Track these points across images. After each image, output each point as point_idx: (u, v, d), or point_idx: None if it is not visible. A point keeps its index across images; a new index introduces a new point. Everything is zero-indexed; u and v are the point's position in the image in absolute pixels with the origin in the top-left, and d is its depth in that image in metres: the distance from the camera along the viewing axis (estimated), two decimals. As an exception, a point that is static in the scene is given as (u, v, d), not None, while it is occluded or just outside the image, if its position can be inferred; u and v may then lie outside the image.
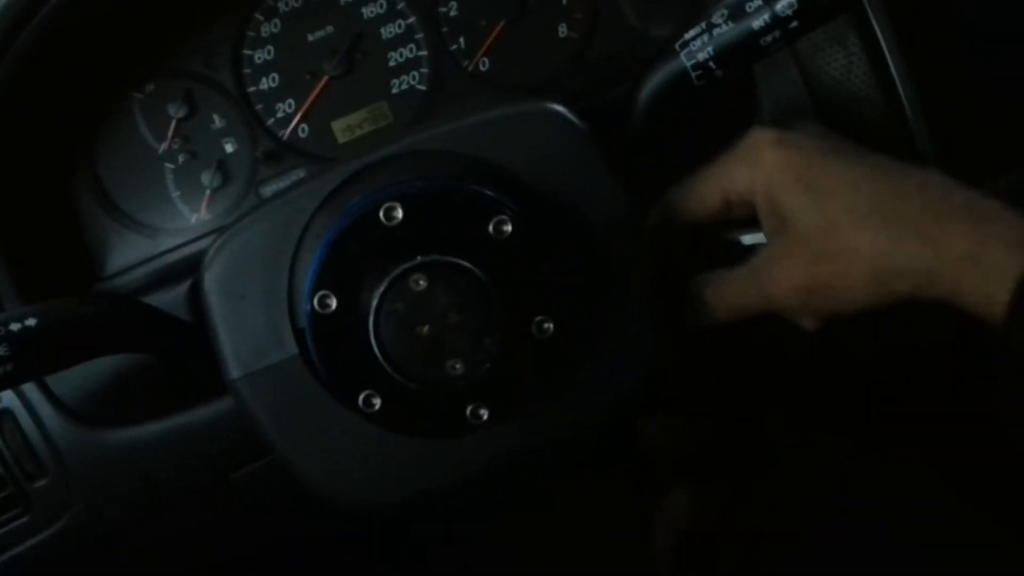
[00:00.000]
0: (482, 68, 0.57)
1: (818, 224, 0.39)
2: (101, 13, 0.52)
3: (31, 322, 0.39)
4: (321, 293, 0.37)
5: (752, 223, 0.42)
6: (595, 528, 0.81)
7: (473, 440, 0.40)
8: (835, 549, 0.66)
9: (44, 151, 0.54)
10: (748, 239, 0.44)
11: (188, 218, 0.56)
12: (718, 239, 0.45)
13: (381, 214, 0.36)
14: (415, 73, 0.57)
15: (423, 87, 0.57)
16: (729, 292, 0.43)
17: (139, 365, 0.50)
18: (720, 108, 0.49)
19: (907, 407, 0.67)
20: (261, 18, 0.56)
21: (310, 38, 0.56)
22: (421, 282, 0.36)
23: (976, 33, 0.49)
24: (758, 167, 0.40)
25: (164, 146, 0.56)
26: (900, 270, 0.37)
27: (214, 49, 0.56)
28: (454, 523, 0.75)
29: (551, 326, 0.37)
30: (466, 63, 0.57)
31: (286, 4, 0.56)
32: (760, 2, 0.39)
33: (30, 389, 0.48)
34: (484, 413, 0.38)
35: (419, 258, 0.36)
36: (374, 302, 0.36)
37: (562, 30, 0.57)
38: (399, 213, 0.36)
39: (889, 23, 0.47)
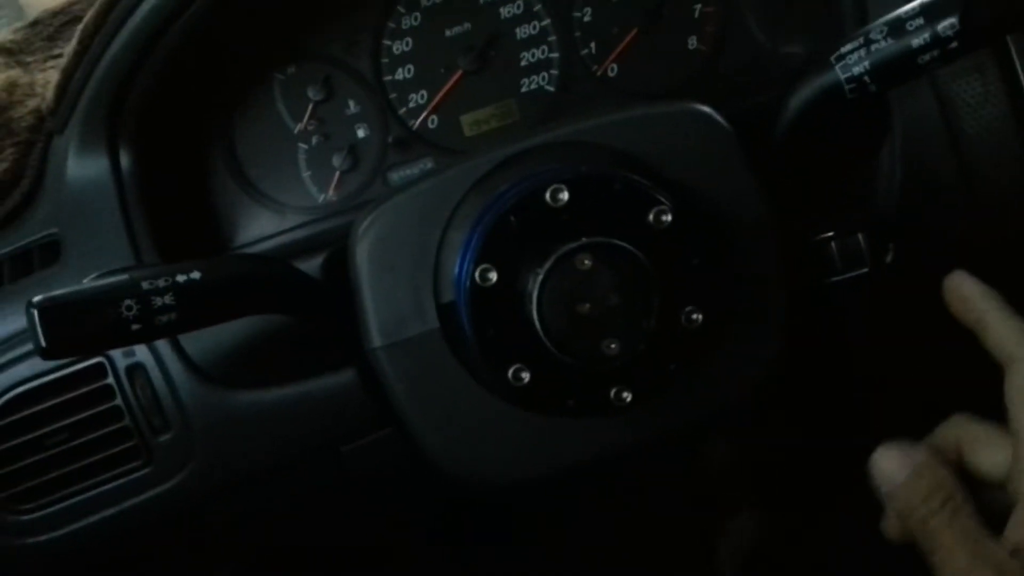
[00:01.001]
0: (610, 74, 0.58)
1: None
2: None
3: (196, 275, 0.41)
4: (483, 267, 0.38)
5: None
6: (656, 545, 0.81)
7: (609, 423, 0.41)
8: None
9: (187, 123, 0.57)
10: None
11: (316, 197, 0.58)
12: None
13: (548, 195, 0.38)
14: (545, 74, 0.58)
15: (551, 88, 0.58)
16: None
17: (268, 330, 0.51)
18: (855, 126, 0.50)
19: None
20: (403, 10, 0.58)
21: (448, 33, 0.58)
22: (587, 262, 0.37)
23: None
24: None
25: (300, 127, 0.58)
26: None
27: (355, 37, 0.58)
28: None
29: (700, 317, 0.38)
30: (595, 67, 0.58)
31: (428, -1, 0.58)
32: (922, 20, 0.40)
33: (163, 345, 0.50)
34: (627, 396, 0.39)
35: (585, 239, 0.37)
36: (540, 277, 0.37)
37: (692, 42, 0.58)
38: (565, 195, 0.38)
39: (1031, 54, 0.48)
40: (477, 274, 0.38)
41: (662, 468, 0.80)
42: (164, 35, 0.51)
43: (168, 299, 0.40)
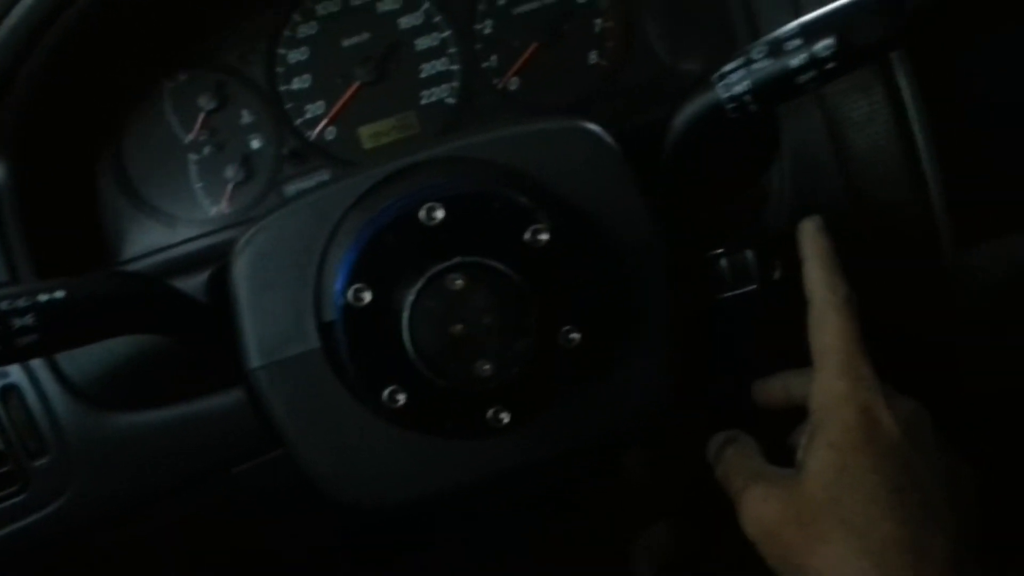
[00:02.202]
0: (512, 87, 0.58)
1: (824, 507, 0.39)
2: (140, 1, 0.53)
3: (59, 294, 0.39)
4: (356, 286, 0.37)
5: None
6: (576, 557, 0.81)
7: (489, 445, 0.40)
8: None
9: (70, 131, 0.54)
10: None
11: (208, 210, 0.57)
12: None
13: (422, 213, 0.37)
14: (445, 86, 0.58)
15: (452, 100, 0.58)
16: (731, 474, 0.44)
17: (148, 349, 0.50)
18: (743, 144, 0.51)
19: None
20: (299, 19, 0.57)
21: (345, 43, 0.57)
22: (458, 282, 0.36)
23: (997, 94, 0.51)
24: (835, 424, 0.40)
25: (191, 137, 0.56)
26: None
27: (250, 45, 0.56)
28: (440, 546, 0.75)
29: (578, 336, 0.38)
30: (496, 81, 0.58)
31: (324, 7, 0.57)
32: (800, 41, 0.40)
33: (39, 366, 0.47)
34: (505, 417, 0.38)
35: (458, 258, 0.36)
36: (410, 298, 0.36)
37: (593, 57, 0.58)
38: (440, 213, 0.37)
39: (913, 76, 0.49)
40: (351, 294, 0.37)
41: (579, 478, 0.80)
42: (40, 39, 0.49)
43: (29, 320, 0.38)
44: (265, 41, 0.56)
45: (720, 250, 0.48)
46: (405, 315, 0.36)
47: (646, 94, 0.58)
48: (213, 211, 0.57)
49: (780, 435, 0.48)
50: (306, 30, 0.57)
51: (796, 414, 0.45)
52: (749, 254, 0.48)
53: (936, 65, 0.49)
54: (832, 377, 0.41)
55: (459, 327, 0.36)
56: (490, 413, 0.38)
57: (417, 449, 0.41)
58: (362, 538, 0.71)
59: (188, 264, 0.54)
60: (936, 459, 0.40)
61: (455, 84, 0.58)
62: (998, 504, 0.44)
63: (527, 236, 0.37)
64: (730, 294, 0.48)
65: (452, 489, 0.41)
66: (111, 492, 0.48)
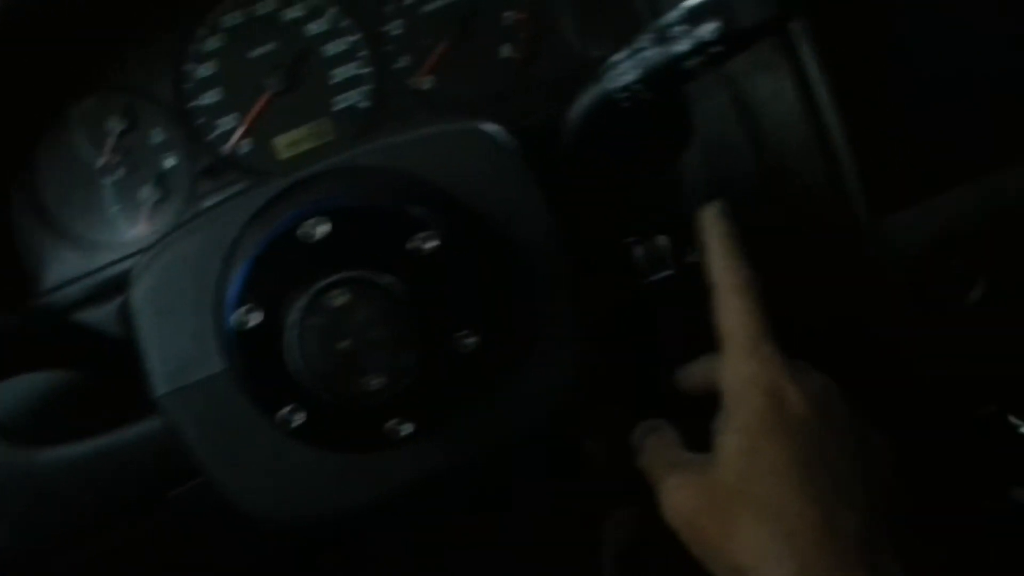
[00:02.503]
0: (425, 86, 0.57)
1: (736, 490, 0.39)
2: (40, 25, 0.52)
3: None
4: (245, 307, 0.37)
5: None
6: (543, 543, 0.81)
7: (396, 455, 0.40)
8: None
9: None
10: None
11: (127, 233, 0.56)
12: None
13: (305, 229, 0.37)
14: (359, 90, 0.57)
15: (366, 104, 0.57)
16: (652, 465, 0.44)
17: (69, 382, 0.49)
18: (653, 130, 0.50)
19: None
20: (204, 33, 0.56)
21: (253, 54, 0.56)
22: (342, 297, 0.36)
23: (904, 60, 0.51)
24: (744, 407, 0.40)
25: (102, 160, 0.56)
26: None
27: (156, 63, 0.56)
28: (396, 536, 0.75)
29: (474, 340, 0.38)
30: (409, 81, 0.57)
31: (230, 19, 0.56)
32: (685, 26, 0.40)
33: (-47, 406, 0.47)
34: (407, 428, 0.38)
35: (339, 274, 0.36)
36: (295, 317, 0.36)
37: (504, 51, 0.57)
38: (322, 228, 0.37)
39: (815, 49, 0.48)
40: (239, 316, 0.37)
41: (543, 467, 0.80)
42: None
43: None
44: (171, 58, 0.56)
45: (632, 238, 0.47)
46: (292, 334, 0.36)
47: (562, 84, 0.57)
48: (131, 234, 0.56)
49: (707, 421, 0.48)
50: (212, 43, 0.56)
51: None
52: (662, 239, 0.47)
53: (839, 36, 0.48)
54: (737, 360, 0.41)
55: (346, 343, 0.36)
56: (390, 425, 0.38)
57: (326, 465, 0.41)
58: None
59: (109, 290, 0.53)
60: (847, 435, 0.40)
61: (368, 87, 0.57)
62: (916, 481, 0.44)
63: (412, 244, 0.37)
64: (647, 281, 0.48)
65: (365, 502, 0.41)
66: (44, 529, 0.48)
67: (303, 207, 0.38)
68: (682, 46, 0.40)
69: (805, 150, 0.49)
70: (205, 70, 0.56)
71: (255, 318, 0.37)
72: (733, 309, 0.41)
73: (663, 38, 0.41)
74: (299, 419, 0.37)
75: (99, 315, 0.50)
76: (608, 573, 0.80)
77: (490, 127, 0.43)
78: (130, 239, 0.56)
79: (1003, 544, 0.67)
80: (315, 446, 0.39)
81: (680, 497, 0.40)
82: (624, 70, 0.42)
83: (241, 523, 0.54)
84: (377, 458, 0.40)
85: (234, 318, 0.37)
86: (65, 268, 0.55)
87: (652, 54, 0.41)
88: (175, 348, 0.41)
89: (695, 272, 0.48)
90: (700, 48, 0.40)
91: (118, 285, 0.53)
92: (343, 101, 0.57)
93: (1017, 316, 0.51)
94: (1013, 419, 0.65)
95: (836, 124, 0.48)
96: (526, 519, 0.82)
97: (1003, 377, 0.55)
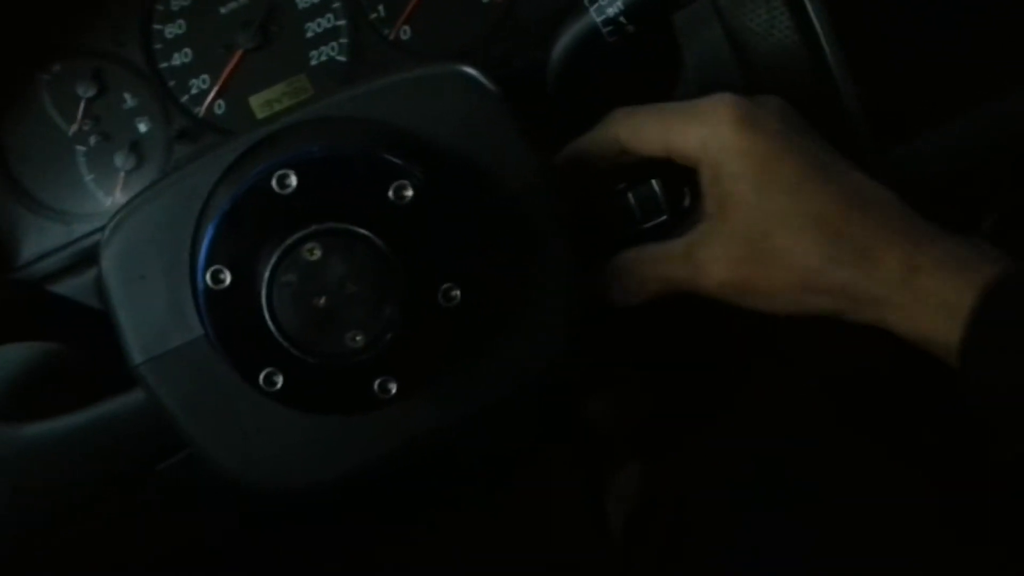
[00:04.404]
0: (403, 36, 0.55)
1: (757, 223, 0.38)
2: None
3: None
4: (214, 268, 0.35)
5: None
6: (544, 504, 0.80)
7: (384, 416, 0.38)
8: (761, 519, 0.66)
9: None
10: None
11: (103, 202, 0.54)
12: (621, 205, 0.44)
13: (274, 182, 0.35)
14: (334, 44, 0.55)
15: (343, 58, 0.55)
16: (658, 269, 0.42)
17: (48, 357, 0.48)
18: (645, 64, 0.48)
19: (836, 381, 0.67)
20: (170, -9, 0.54)
21: (223, 10, 0.54)
22: (316, 252, 0.34)
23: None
24: (715, 138, 0.39)
25: (74, 128, 0.54)
26: (827, 287, 0.37)
27: (122, 25, 0.54)
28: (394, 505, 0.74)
29: (458, 293, 0.36)
30: (387, 31, 0.55)
31: (197, -25, 0.54)
32: (668, -49, 0.38)
33: (-68, 384, 0.46)
34: (392, 387, 0.36)
35: (313, 226, 0.34)
36: (266, 274, 0.34)
37: (485, -6, 0.55)
38: (293, 181, 0.35)
39: (810, -26, 0.46)
40: (209, 276, 0.35)
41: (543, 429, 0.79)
42: None
43: None
44: (138, 19, 0.54)
45: (622, 184, 0.45)
46: (263, 293, 0.34)
47: (545, 27, 0.54)
48: (108, 202, 0.54)
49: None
50: (179, 2, 0.54)
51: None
52: (655, 183, 0.45)
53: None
54: (696, 111, 0.40)
55: (322, 299, 0.34)
56: (376, 384, 0.36)
57: (314, 429, 0.39)
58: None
59: (87, 260, 0.52)
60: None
61: (343, 40, 0.55)
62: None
63: (391, 194, 0.35)
64: (641, 228, 0.46)
65: (357, 467, 0.40)
66: (32, 507, 0.47)
67: (270, 160, 0.36)
68: (667, -28, 0.38)
69: (803, 83, 0.47)
70: (174, 29, 0.54)
71: (225, 279, 0.35)
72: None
73: (646, -35, 0.39)
74: (279, 382, 0.36)
75: (77, 286, 0.49)
76: (617, 534, 0.79)
77: (469, 69, 0.41)
78: (106, 208, 0.54)
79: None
80: (297, 409, 0.37)
81: (717, 267, 0.39)
82: (607, 2, 0.40)
83: (230, 495, 0.54)
84: (364, 421, 0.39)
85: (205, 279, 0.35)
86: (42, 240, 0.54)
87: (636, -18, 0.39)
88: (150, 315, 0.39)
89: (690, 216, 0.46)
90: (686, -27, 0.38)
91: (95, 255, 0.52)
92: (319, 56, 0.55)
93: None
94: None
95: (835, 54, 0.46)
96: (526, 486, 0.81)
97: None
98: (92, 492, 0.47)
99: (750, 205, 0.38)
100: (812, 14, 0.46)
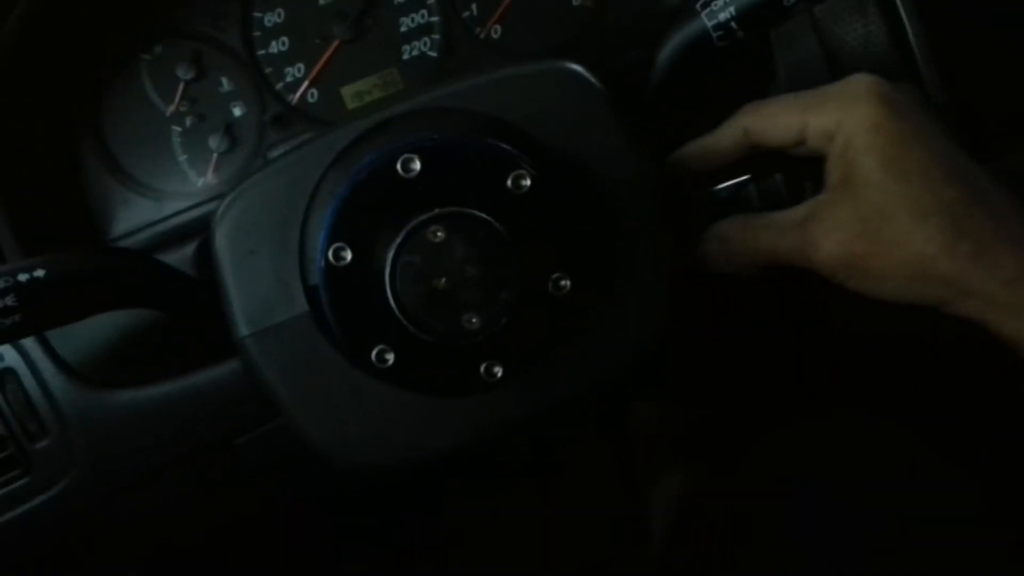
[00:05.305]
0: (494, 35, 0.56)
1: (881, 203, 0.38)
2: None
3: (39, 273, 0.38)
4: (336, 246, 0.36)
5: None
6: (588, 505, 0.81)
7: (485, 399, 0.39)
8: (813, 521, 0.66)
9: (50, 111, 0.54)
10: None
11: (195, 182, 0.56)
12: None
13: (399, 166, 0.36)
14: (426, 39, 0.56)
15: (434, 54, 0.56)
16: (767, 236, 0.41)
17: (144, 325, 0.49)
18: (737, 75, 0.49)
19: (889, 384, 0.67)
20: (272, -20, 0.55)
21: (321, 2, 0.55)
22: (439, 234, 0.35)
23: (999, 6, 0.49)
24: (852, 115, 0.38)
25: (171, 109, 0.55)
26: (940, 277, 0.37)
27: (223, 11, 0.55)
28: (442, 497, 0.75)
29: (568, 283, 0.37)
30: (478, 30, 0.56)
31: (297, -33, 0.55)
32: (783, -38, 0.39)
33: (33, 348, 0.47)
34: (498, 370, 0.37)
35: (437, 210, 0.35)
36: (390, 253, 0.35)
37: (575, -2, 0.56)
38: (417, 165, 0.36)
39: (909, -9, 0.47)
40: (331, 254, 0.36)
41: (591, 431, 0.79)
42: (7, 15, 0.47)
43: (10, 300, 0.37)
44: (239, 5, 0.55)
45: (746, 176, 0.45)
46: (387, 272, 0.35)
47: (634, 32, 0.56)
48: (200, 183, 0.56)
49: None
50: (280, -9, 0.55)
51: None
52: (779, 177, 0.45)
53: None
54: (837, 93, 0.39)
55: (442, 280, 0.35)
56: (483, 367, 0.37)
57: (413, 408, 0.40)
58: (364, 504, 0.71)
59: (177, 237, 0.53)
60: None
61: (436, 36, 0.56)
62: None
63: (508, 183, 0.36)
64: None
65: (451, 447, 0.41)
66: (113, 471, 0.48)
67: (395, 144, 0.37)
68: (781, -19, 0.39)
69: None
70: (272, 18, 0.55)
71: (347, 256, 0.36)
72: None
73: (760, -26, 0.40)
74: (390, 360, 0.37)
75: (169, 261, 0.50)
76: (660, 536, 0.79)
77: (576, 67, 0.42)
78: (198, 188, 0.56)
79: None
80: (405, 388, 0.38)
81: (831, 241, 0.38)
82: (720, 7, 0.41)
83: (306, 475, 0.55)
84: (462, 403, 0.40)
85: (327, 256, 0.36)
86: (133, 216, 0.55)
87: (749, -10, 0.40)
88: (258, 290, 0.41)
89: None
90: (800, -17, 0.39)
91: (186, 233, 0.53)
92: (411, 50, 0.56)
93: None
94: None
95: (930, 69, 0.47)
96: (574, 481, 0.81)
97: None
98: (170, 461, 0.48)
99: (875, 183, 0.37)
100: (908, 30, 0.47)
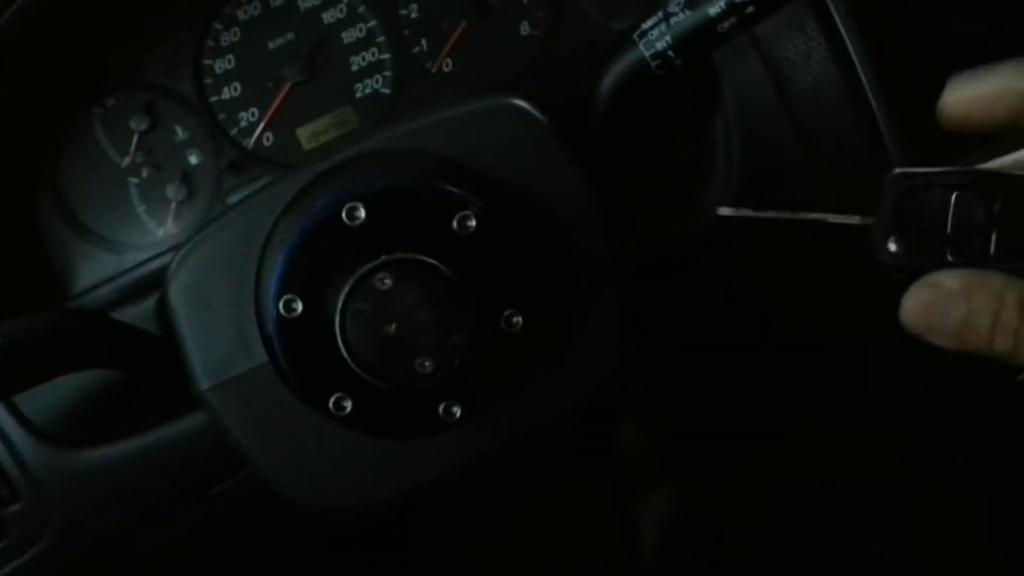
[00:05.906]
0: (445, 69, 0.57)
1: None
2: (56, 27, 0.52)
3: (-6, 341, 0.38)
4: (286, 297, 0.36)
5: None
6: (577, 525, 0.81)
7: (447, 439, 0.39)
8: (798, 534, 0.67)
9: (6, 168, 0.54)
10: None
11: (155, 232, 0.56)
12: None
13: (344, 215, 0.36)
14: (378, 77, 0.56)
15: (387, 90, 0.56)
16: None
17: (110, 382, 0.49)
18: (683, 97, 0.49)
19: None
20: (220, 27, 0.55)
21: (271, 45, 0.56)
22: (386, 281, 0.35)
23: (937, 14, 0.50)
24: None
25: (127, 160, 0.55)
26: None
27: (174, 60, 0.55)
28: (435, 525, 0.75)
29: (520, 319, 0.37)
30: (429, 64, 0.57)
31: (245, 12, 0.56)
32: (715, -11, 0.39)
33: (-1, 412, 0.47)
34: (457, 410, 0.37)
35: (383, 256, 0.35)
36: (339, 303, 0.35)
37: (524, 28, 0.56)
38: (362, 213, 0.36)
39: (847, 7, 0.47)
40: (281, 305, 0.36)
41: (579, 452, 0.80)
42: None
43: None
44: (189, 54, 0.55)
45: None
46: (336, 321, 0.35)
47: (585, 58, 0.56)
48: (160, 232, 0.56)
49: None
50: (229, 37, 0.55)
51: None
52: None
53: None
54: None
55: (393, 327, 0.36)
56: (441, 408, 0.37)
57: (377, 451, 0.40)
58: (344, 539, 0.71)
59: (140, 290, 0.53)
60: None
61: (387, 73, 0.56)
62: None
63: (455, 224, 0.36)
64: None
65: (417, 488, 0.41)
66: (89, 530, 0.48)
67: (339, 193, 0.37)
68: (715, 8, 0.39)
69: (840, 110, 0.48)
70: (224, 64, 0.56)
71: (297, 307, 0.36)
72: None
73: (694, 1, 0.40)
74: (347, 407, 0.37)
75: (132, 315, 0.50)
76: (650, 554, 0.79)
77: (519, 102, 0.42)
78: (159, 238, 0.56)
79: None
80: (365, 433, 0.38)
81: None
82: (655, 36, 0.41)
83: (282, 518, 0.54)
84: (425, 443, 0.40)
85: (277, 308, 0.36)
86: (95, 270, 0.55)
87: (684, 18, 0.40)
88: (216, 343, 0.41)
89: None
90: (733, 10, 0.39)
91: (149, 285, 0.53)
92: (364, 88, 0.57)
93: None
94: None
95: (871, 83, 0.47)
96: (557, 503, 0.82)
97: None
98: (145, 516, 0.48)
99: None
100: (848, 42, 0.48)
